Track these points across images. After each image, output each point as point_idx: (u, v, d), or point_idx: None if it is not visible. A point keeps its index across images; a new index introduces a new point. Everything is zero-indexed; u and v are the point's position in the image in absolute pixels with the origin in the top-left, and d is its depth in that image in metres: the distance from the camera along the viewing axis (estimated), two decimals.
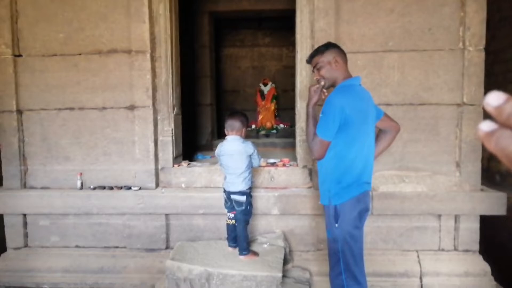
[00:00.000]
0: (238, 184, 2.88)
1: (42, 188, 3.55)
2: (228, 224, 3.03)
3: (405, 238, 3.34)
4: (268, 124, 6.98)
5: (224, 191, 2.99)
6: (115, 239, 3.51)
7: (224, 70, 7.83)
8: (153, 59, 3.38)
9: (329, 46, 2.44)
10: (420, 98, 3.28)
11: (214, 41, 6.52)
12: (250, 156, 2.93)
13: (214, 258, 2.84)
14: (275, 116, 7.17)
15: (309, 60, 2.48)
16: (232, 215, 3.00)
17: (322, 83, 2.40)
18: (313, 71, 2.49)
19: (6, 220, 3.56)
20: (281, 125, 6.97)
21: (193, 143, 5.84)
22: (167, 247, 3.45)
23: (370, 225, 3.31)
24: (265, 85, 7.38)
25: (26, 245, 3.57)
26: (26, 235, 3.57)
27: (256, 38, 7.83)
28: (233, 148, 2.89)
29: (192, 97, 6.03)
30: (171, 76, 3.46)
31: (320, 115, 2.31)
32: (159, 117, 3.48)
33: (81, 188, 3.48)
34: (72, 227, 3.53)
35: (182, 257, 2.86)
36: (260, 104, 7.22)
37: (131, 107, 3.41)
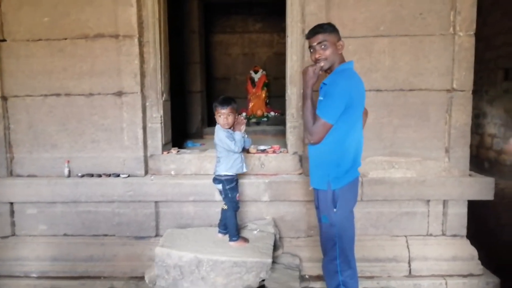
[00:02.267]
0: (218, 167, 2.90)
1: (28, 176, 3.49)
2: (222, 209, 3.02)
3: (395, 224, 3.36)
4: (259, 112, 6.94)
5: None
6: (105, 227, 3.48)
7: (214, 57, 7.72)
8: (141, 44, 3.31)
9: (334, 27, 2.35)
10: (411, 83, 3.27)
11: (203, 27, 6.43)
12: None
13: (204, 245, 2.83)
14: (266, 103, 7.12)
15: (311, 36, 2.32)
16: None
17: (322, 64, 2.29)
18: (310, 49, 2.36)
19: None
20: (272, 113, 6.94)
21: (183, 131, 5.78)
22: (157, 235, 3.42)
23: (360, 211, 3.31)
24: (256, 72, 7.31)
25: (13, 234, 3.52)
26: (13, 224, 3.51)
27: (247, 24, 7.72)
28: (216, 133, 2.89)
29: (182, 85, 5.96)
30: (159, 61, 3.40)
31: (321, 97, 2.24)
32: (147, 104, 3.42)
33: (69, 176, 3.43)
34: (60, 215, 3.48)
35: (172, 244, 2.84)
36: (250, 92, 7.16)
37: (119, 93, 3.35)
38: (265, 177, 3.34)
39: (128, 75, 3.30)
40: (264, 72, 7.31)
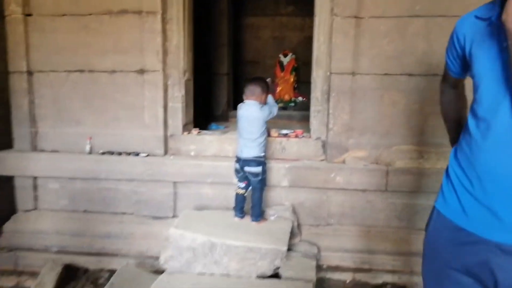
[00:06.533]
0: (252, 149, 2.82)
1: (52, 151, 3.52)
2: (237, 194, 2.95)
3: (420, 216, 3.18)
4: (286, 97, 6.79)
5: (237, 159, 2.89)
6: (123, 205, 3.48)
7: (244, 40, 7.59)
8: (164, 21, 3.24)
9: None
10: None
11: (232, 8, 6.30)
12: (266, 122, 2.84)
13: (219, 228, 2.77)
14: (294, 88, 6.95)
15: None
16: (243, 184, 2.92)
17: None
18: None
19: (17, 182, 3.56)
20: (300, 98, 6.75)
21: (208, 114, 5.73)
22: (174, 216, 3.39)
23: (384, 201, 3.18)
24: (285, 56, 7.13)
25: (35, 208, 3.57)
26: (36, 198, 3.56)
27: (278, 6, 7.50)
28: (250, 113, 2.83)
29: (209, 67, 5.88)
30: (182, 39, 3.31)
31: None
32: (169, 82, 3.36)
33: (90, 152, 3.44)
34: (81, 191, 3.50)
35: (186, 225, 2.80)
36: (279, 76, 7.00)
37: (141, 71, 3.30)
38: (285, 162, 3.23)
39: (150, 53, 3.24)
40: (293, 56, 7.12)
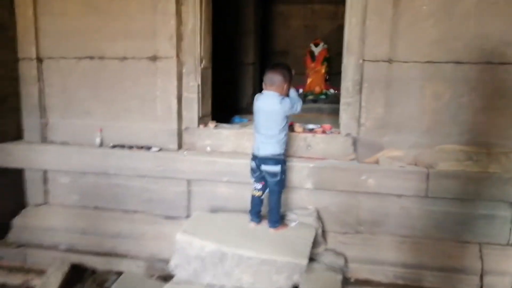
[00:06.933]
0: (270, 146, 2.47)
1: (62, 143, 3.33)
2: (253, 196, 2.63)
3: (466, 227, 2.76)
4: (317, 89, 6.37)
5: (254, 157, 2.56)
6: (135, 202, 3.24)
7: (273, 28, 7.23)
8: (178, 2, 2.94)
9: None
10: (502, 55, 2.60)
11: None
12: (287, 116, 2.47)
13: (231, 235, 2.47)
14: (326, 80, 6.53)
15: None
16: (260, 185, 2.59)
17: None
18: None
19: (27, 175, 3.40)
20: (332, 90, 6.31)
21: (232, 106, 5.43)
22: (187, 216, 3.12)
23: (422, 208, 2.77)
24: (316, 45, 6.70)
25: (46, 202, 3.40)
26: (47, 192, 3.39)
27: None
28: (268, 106, 2.46)
29: (234, 56, 5.57)
30: (199, 23, 3.01)
31: None
32: (184, 70, 3.08)
33: (101, 145, 3.22)
34: (92, 186, 3.29)
35: (195, 230, 2.51)
36: (309, 67, 6.59)
37: (154, 58, 3.03)
38: (309, 161, 2.88)
39: (164, 37, 2.96)
40: (325, 46, 6.67)
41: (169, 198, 3.13)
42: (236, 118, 4.28)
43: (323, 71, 6.55)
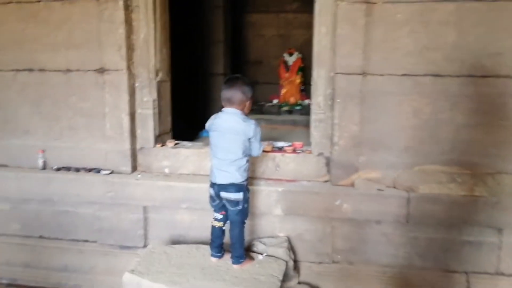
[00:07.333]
0: (230, 174, 2.13)
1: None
2: (214, 227, 2.29)
3: (451, 255, 2.51)
4: (292, 99, 6.17)
5: (212, 184, 2.23)
6: (85, 231, 2.88)
7: (246, 38, 6.98)
8: (128, 9, 2.63)
9: None
10: (484, 67, 2.37)
11: (231, 3, 5.69)
12: (249, 139, 2.15)
13: (188, 273, 2.13)
14: (301, 90, 6.31)
15: None
16: (220, 215, 2.26)
17: None
18: None
19: None
20: (307, 101, 6.07)
21: (204, 119, 5.10)
22: (145, 245, 2.78)
23: (404, 235, 2.51)
24: (290, 55, 6.50)
25: None
26: None
27: (283, 2, 6.90)
28: (229, 125, 2.13)
29: (204, 67, 5.26)
30: (153, 32, 2.70)
31: None
32: (137, 84, 2.75)
33: (44, 168, 2.86)
34: (35, 214, 2.91)
35: (147, 268, 2.17)
36: (283, 77, 6.38)
37: (101, 70, 2.69)
38: (279, 184, 2.58)
39: (111, 48, 2.63)
40: (299, 55, 6.47)
41: (123, 227, 2.79)
42: (204, 133, 3.96)
43: (298, 81, 6.36)
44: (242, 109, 2.15)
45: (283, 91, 6.28)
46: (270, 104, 6.13)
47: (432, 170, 2.45)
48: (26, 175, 2.78)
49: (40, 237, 2.94)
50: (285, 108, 5.98)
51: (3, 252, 2.96)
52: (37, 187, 2.77)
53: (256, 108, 5.80)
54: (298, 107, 6.01)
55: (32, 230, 2.94)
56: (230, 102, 2.13)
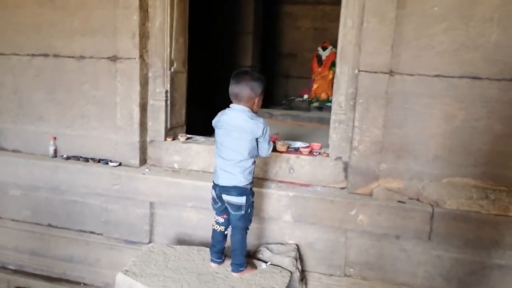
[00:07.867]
0: (234, 176, 1.96)
1: (13, 150, 2.94)
2: (214, 231, 2.14)
3: (478, 279, 2.25)
4: (323, 95, 5.92)
5: (214, 185, 2.08)
6: (92, 223, 2.82)
7: (281, 30, 6.77)
8: None
9: None
10: None
11: None
12: (257, 139, 1.98)
13: (184, 278, 2.00)
14: (333, 86, 6.04)
15: None
16: (222, 219, 2.11)
17: None
18: None
19: None
20: None
21: None
22: (150, 241, 2.69)
23: (426, 253, 2.27)
24: (324, 49, 6.22)
25: None
26: None
27: None
28: (236, 122, 1.95)
29: (234, 59, 5.12)
30: (169, 19, 2.57)
31: None
32: (150, 74, 2.64)
33: (55, 155, 2.81)
34: (45, 202, 2.89)
35: (141, 269, 2.06)
36: (316, 71, 6.13)
37: (114, 58, 2.60)
38: (290, 188, 2.40)
39: (125, 35, 2.53)
40: (334, 50, 6.17)
41: (129, 221, 2.70)
42: None
43: (330, 76, 6.08)
44: (250, 106, 1.97)
45: (315, 86, 6.04)
46: (300, 99, 5.91)
47: (462, 184, 2.19)
48: (37, 162, 2.74)
49: (49, 225, 2.92)
50: (315, 104, 5.76)
51: (13, 238, 2.96)
52: (46, 175, 2.72)
53: (285, 103, 5.63)
54: (329, 104, 5.75)
55: (42, 217, 2.92)
56: (238, 99, 1.95)
